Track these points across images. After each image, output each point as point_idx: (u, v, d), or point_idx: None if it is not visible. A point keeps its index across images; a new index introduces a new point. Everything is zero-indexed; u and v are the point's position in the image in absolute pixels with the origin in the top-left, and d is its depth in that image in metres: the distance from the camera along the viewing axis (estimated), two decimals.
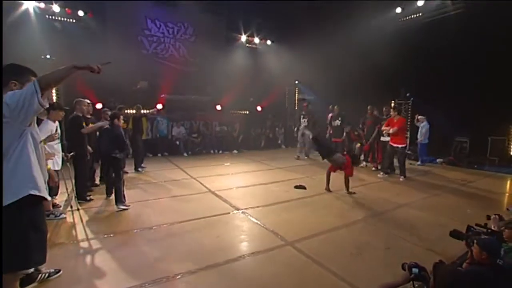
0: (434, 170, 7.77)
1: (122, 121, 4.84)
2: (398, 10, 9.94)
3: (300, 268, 2.89)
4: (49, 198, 2.23)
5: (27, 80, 1.94)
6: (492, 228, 3.20)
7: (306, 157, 9.20)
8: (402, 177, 6.54)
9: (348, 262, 3.01)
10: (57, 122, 4.03)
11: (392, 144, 6.62)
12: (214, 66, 12.10)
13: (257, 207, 4.63)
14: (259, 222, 3.99)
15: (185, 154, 9.58)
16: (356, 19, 10.00)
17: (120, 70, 9.79)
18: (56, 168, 3.96)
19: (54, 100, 5.53)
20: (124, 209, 4.32)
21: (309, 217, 4.23)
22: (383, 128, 6.94)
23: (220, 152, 10.12)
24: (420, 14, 9.57)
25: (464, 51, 8.40)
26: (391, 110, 6.81)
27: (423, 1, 9.27)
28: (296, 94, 13.21)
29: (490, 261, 2.13)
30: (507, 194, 5.67)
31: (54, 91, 8.38)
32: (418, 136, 8.59)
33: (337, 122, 8.45)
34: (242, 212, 4.38)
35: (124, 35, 10.69)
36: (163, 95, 10.47)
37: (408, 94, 9.78)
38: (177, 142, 9.66)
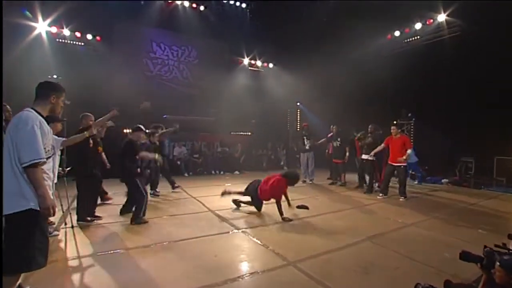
0: (439, 191, 7.56)
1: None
2: (397, 33, 10.21)
3: None
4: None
5: (61, 95, 2.33)
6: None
7: (311, 182, 8.77)
8: (402, 197, 6.29)
9: (354, 282, 2.81)
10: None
11: (392, 163, 6.39)
12: (217, 88, 12.32)
13: (258, 226, 4.46)
14: (259, 241, 3.81)
15: (186, 175, 9.47)
16: (357, 42, 10.24)
17: (124, 91, 10.08)
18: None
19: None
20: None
21: (311, 237, 4.05)
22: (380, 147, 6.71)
23: (222, 173, 9.99)
24: (418, 37, 9.80)
25: (466, 71, 8.45)
26: (393, 127, 6.49)
27: (420, 24, 9.53)
28: (298, 115, 13.27)
29: None
30: None
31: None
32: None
33: (337, 143, 8.17)
34: (242, 232, 4.21)
35: (129, 57, 11.02)
36: (165, 115, 10.57)
37: (409, 115, 9.77)
38: (178, 162, 9.58)
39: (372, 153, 6.74)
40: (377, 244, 3.75)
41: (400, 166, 6.28)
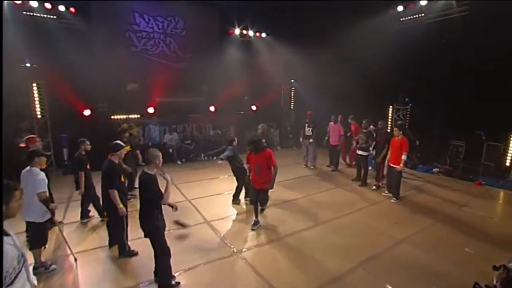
0: (429, 185, 7.71)
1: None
2: (400, 8, 9.48)
3: None
4: None
5: (12, 198, 1.91)
6: (494, 281, 3.11)
7: (312, 167, 9.10)
8: (394, 199, 6.43)
9: None
10: None
11: (391, 164, 6.45)
12: (207, 62, 11.59)
13: (254, 247, 4.53)
14: (256, 270, 3.88)
15: (179, 162, 9.37)
16: (355, 18, 9.52)
17: (108, 70, 9.40)
18: (46, 218, 3.77)
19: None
20: None
21: (306, 262, 4.14)
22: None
23: (215, 158, 9.84)
24: (423, 14, 9.14)
25: (466, 54, 8.13)
26: (395, 129, 6.41)
27: (426, 1, 8.82)
28: (292, 93, 12.84)
29: None
30: (502, 222, 5.68)
31: (37, 101, 7.90)
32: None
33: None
34: (239, 255, 4.27)
35: (111, 32, 10.08)
36: (154, 98, 10.08)
37: (407, 99, 9.55)
38: (170, 150, 9.38)
39: (380, 158, 6.93)
40: (369, 273, 3.88)
41: (395, 168, 6.29)
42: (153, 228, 3.30)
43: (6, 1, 8.01)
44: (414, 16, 9.34)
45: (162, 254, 3.37)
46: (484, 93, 7.87)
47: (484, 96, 7.87)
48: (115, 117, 9.09)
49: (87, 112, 8.74)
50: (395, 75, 9.27)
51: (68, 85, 8.30)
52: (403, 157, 6.12)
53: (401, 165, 6.17)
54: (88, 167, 4.92)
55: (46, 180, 3.79)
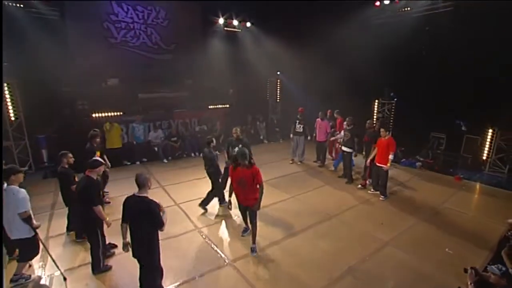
0: (412, 180, 7.96)
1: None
2: (386, 1, 9.42)
3: None
4: None
5: None
6: (468, 283, 3.32)
7: (299, 163, 9.18)
8: (382, 197, 6.62)
9: None
10: None
11: (377, 163, 6.57)
12: (190, 54, 11.27)
13: (246, 256, 4.54)
14: (248, 281, 3.94)
15: (165, 161, 9.17)
16: (341, 13, 9.41)
17: (87, 64, 8.93)
18: (34, 233, 3.65)
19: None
20: None
21: (295, 271, 4.20)
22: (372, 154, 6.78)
23: (201, 155, 9.70)
24: (409, 8, 9.14)
25: (450, 49, 8.30)
26: (382, 129, 6.46)
27: None
28: (278, 85, 12.71)
29: None
30: (479, 218, 5.97)
31: (9, 102, 7.41)
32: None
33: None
34: (231, 266, 4.30)
35: (87, 22, 9.51)
36: (138, 94, 9.74)
37: (392, 94, 9.67)
38: (156, 149, 9.17)
39: (369, 159, 6.91)
40: (358, 280, 4.02)
41: (382, 167, 6.43)
42: (151, 252, 3.21)
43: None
44: (400, 10, 9.32)
45: (157, 276, 3.33)
46: (466, 88, 8.08)
47: (465, 91, 8.09)
48: (96, 115, 8.69)
49: (66, 111, 8.30)
50: (380, 69, 9.30)
51: (43, 82, 7.82)
52: (390, 157, 6.25)
53: (388, 164, 6.32)
54: (76, 179, 4.71)
55: (28, 197, 3.65)
